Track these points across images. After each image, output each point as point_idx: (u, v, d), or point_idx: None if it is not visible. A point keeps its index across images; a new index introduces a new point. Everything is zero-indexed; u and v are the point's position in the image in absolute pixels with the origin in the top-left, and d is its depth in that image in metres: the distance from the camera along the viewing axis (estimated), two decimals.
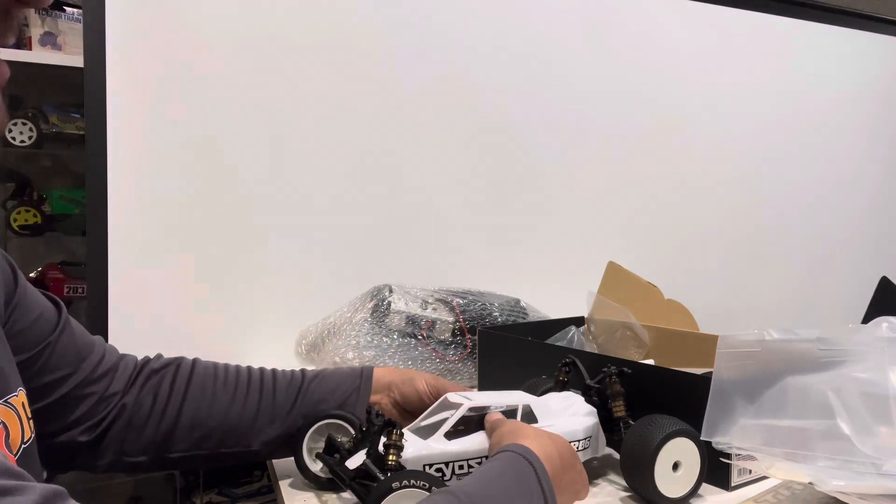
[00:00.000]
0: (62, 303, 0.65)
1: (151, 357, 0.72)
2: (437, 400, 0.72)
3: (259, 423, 0.69)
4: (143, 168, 1.15)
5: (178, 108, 1.17)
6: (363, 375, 0.75)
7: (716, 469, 0.67)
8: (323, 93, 1.27)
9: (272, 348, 1.14)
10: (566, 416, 0.70)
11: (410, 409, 0.75)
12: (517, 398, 0.69)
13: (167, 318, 1.16)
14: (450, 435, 0.63)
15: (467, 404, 0.64)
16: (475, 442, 0.63)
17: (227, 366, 0.73)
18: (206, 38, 1.18)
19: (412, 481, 0.53)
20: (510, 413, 0.67)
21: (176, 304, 1.17)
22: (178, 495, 1.45)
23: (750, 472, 0.70)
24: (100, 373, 0.65)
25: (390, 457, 0.58)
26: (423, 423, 0.67)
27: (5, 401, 0.50)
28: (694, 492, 0.66)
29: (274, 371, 0.74)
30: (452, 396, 0.67)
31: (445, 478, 0.62)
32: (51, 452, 0.61)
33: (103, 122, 1.11)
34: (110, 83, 1.11)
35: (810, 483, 0.53)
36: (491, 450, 0.59)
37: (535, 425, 0.65)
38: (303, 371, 0.75)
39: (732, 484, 0.69)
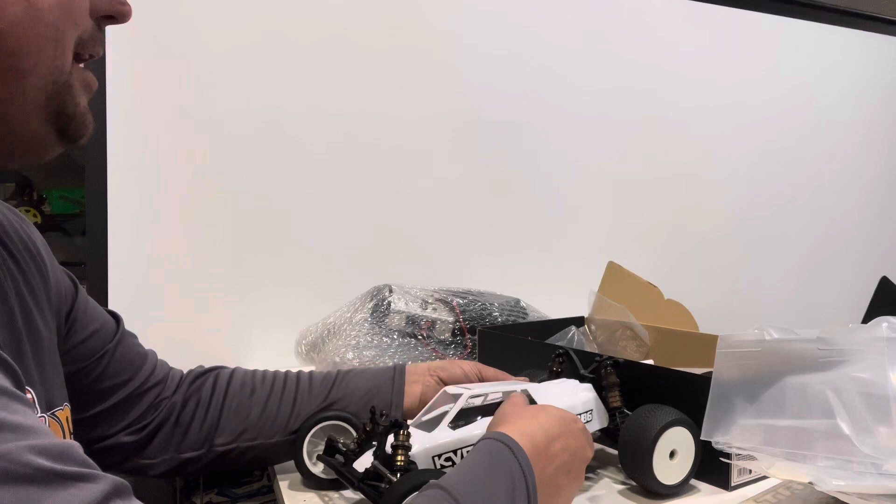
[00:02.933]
0: (121, 316, 0.70)
1: (195, 368, 0.77)
2: (479, 379, 0.76)
3: (297, 410, 0.72)
4: (143, 168, 1.15)
5: (179, 107, 1.17)
6: (396, 368, 0.78)
7: (716, 469, 0.68)
8: (323, 93, 1.27)
9: (272, 348, 1.14)
10: (563, 394, 0.71)
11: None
12: (515, 385, 0.70)
13: (167, 318, 1.16)
14: (454, 425, 0.64)
15: (467, 394, 0.66)
16: (480, 427, 0.64)
17: (265, 370, 0.77)
18: (207, 38, 1.18)
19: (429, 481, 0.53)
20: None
21: (176, 304, 1.17)
22: (177, 495, 1.45)
23: (750, 472, 0.70)
24: (152, 383, 0.70)
25: (398, 457, 0.58)
26: (425, 419, 0.68)
27: (52, 413, 0.52)
28: (688, 479, 0.68)
29: (311, 371, 0.79)
30: (451, 389, 0.68)
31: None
32: (100, 454, 0.64)
33: (103, 122, 1.11)
34: (110, 83, 1.11)
35: (810, 483, 0.53)
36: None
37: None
38: (336, 370, 0.78)
39: (732, 484, 0.69)
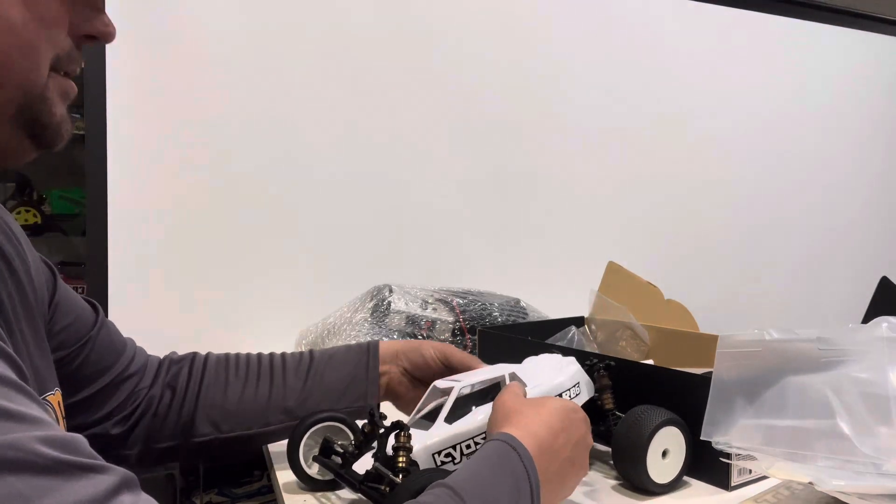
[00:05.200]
0: (98, 304, 0.70)
1: (170, 354, 0.77)
2: (444, 365, 0.75)
3: (273, 401, 0.73)
4: (143, 168, 1.15)
5: (179, 108, 1.17)
6: (370, 351, 0.77)
7: (716, 469, 0.68)
8: (323, 93, 1.27)
9: (272, 348, 1.13)
10: (549, 371, 0.72)
11: (419, 375, 0.77)
12: (502, 369, 0.70)
13: (167, 317, 1.16)
14: (449, 418, 0.64)
15: (458, 386, 0.65)
16: (476, 419, 0.64)
17: (238, 354, 0.77)
18: (207, 40, 1.18)
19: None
20: (499, 387, 0.68)
21: (176, 304, 1.17)
22: (177, 495, 1.45)
23: (750, 472, 0.70)
24: (132, 370, 0.70)
25: (400, 458, 0.58)
26: (420, 416, 0.68)
27: (43, 398, 0.52)
28: (680, 477, 0.69)
29: (283, 354, 0.78)
30: (441, 383, 0.68)
31: (456, 460, 0.63)
32: None
33: (103, 122, 1.11)
34: (110, 83, 1.11)
35: (810, 483, 0.53)
36: (488, 436, 0.60)
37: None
38: (311, 351, 0.78)
39: (732, 484, 0.69)
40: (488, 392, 0.68)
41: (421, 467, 0.60)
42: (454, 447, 0.62)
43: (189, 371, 0.73)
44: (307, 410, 0.73)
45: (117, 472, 0.35)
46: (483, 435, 0.63)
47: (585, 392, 0.73)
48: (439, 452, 0.62)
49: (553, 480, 0.55)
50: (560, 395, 0.69)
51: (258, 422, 0.72)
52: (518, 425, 0.56)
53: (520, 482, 0.51)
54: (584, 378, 0.73)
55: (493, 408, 0.61)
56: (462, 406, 0.66)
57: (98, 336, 0.67)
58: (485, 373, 0.71)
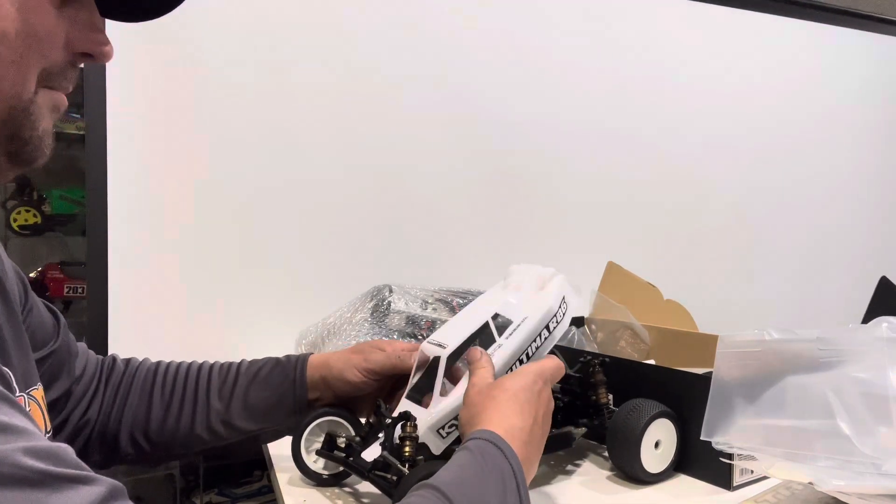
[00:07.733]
0: (59, 312, 0.68)
1: (108, 358, 0.75)
2: (374, 382, 0.72)
3: (197, 425, 0.71)
4: (143, 168, 1.15)
5: (179, 107, 1.17)
6: (297, 368, 0.74)
7: (717, 469, 0.68)
8: (323, 93, 1.27)
9: (272, 348, 1.13)
10: (534, 296, 0.70)
11: (348, 399, 0.74)
12: (484, 313, 0.68)
13: (167, 317, 1.15)
14: (443, 388, 0.65)
15: (445, 354, 0.65)
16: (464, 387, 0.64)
17: (168, 367, 0.74)
18: (208, 39, 1.18)
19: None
20: (486, 335, 0.66)
21: (175, 304, 1.17)
22: (178, 495, 1.45)
23: (752, 472, 0.70)
24: (80, 373, 0.69)
25: (406, 448, 0.60)
26: (414, 382, 0.68)
27: (28, 393, 0.52)
28: (670, 468, 0.71)
29: (212, 369, 0.75)
30: (427, 348, 0.67)
31: None
32: None
33: (103, 122, 1.11)
34: (110, 83, 1.11)
35: (810, 483, 0.53)
36: (462, 433, 0.59)
37: (510, 329, 0.66)
38: (239, 367, 0.75)
39: (734, 484, 0.70)
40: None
41: (427, 444, 0.62)
42: (456, 418, 0.63)
43: (117, 387, 0.72)
44: (235, 430, 0.71)
45: (105, 483, 0.35)
46: None
47: (573, 304, 0.71)
48: (442, 427, 0.63)
49: (532, 461, 0.57)
50: (552, 319, 0.67)
51: (183, 445, 0.71)
52: (493, 420, 0.56)
53: (506, 479, 0.52)
54: (568, 288, 0.71)
55: (464, 403, 0.61)
56: (454, 368, 0.66)
57: (59, 345, 0.65)
58: (467, 321, 0.68)
